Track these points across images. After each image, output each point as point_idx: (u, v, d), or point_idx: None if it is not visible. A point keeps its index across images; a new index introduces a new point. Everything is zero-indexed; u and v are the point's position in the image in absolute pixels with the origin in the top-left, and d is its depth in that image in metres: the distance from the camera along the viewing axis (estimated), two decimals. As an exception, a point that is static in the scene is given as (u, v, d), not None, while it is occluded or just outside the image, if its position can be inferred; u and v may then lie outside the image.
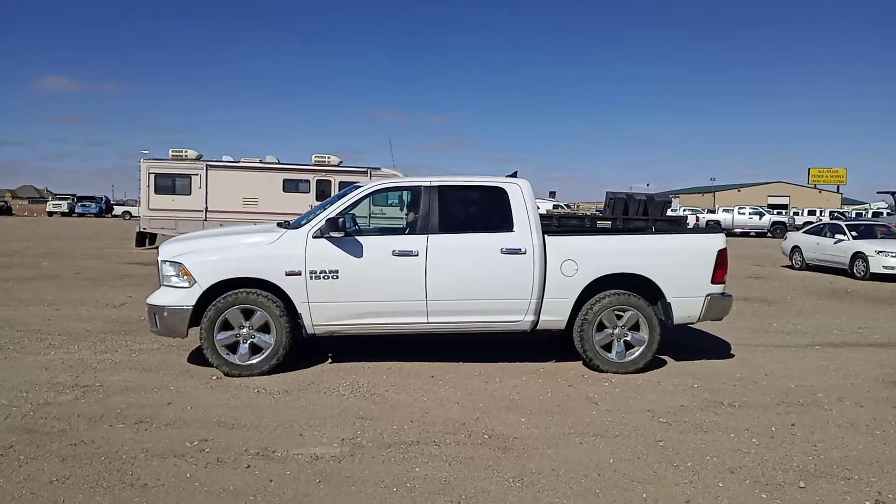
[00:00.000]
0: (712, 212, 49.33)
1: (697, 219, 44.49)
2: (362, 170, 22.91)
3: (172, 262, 6.67)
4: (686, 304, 7.08)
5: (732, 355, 8.04)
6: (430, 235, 6.81)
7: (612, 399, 6.12)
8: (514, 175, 7.39)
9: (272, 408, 5.65)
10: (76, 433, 4.96)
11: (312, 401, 5.87)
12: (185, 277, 6.61)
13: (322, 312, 6.71)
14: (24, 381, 6.28)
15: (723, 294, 7.25)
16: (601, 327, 7.01)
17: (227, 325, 6.58)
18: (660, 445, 4.99)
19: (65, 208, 64.15)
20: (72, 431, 5.00)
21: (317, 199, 22.64)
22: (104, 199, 68.98)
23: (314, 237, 6.70)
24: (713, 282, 7.13)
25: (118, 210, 63.08)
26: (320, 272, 6.64)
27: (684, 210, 51.58)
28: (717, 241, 7.25)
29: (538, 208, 7.32)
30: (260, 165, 22.68)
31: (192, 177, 22.13)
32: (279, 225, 7.22)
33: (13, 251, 21.28)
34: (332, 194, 22.82)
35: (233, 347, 6.62)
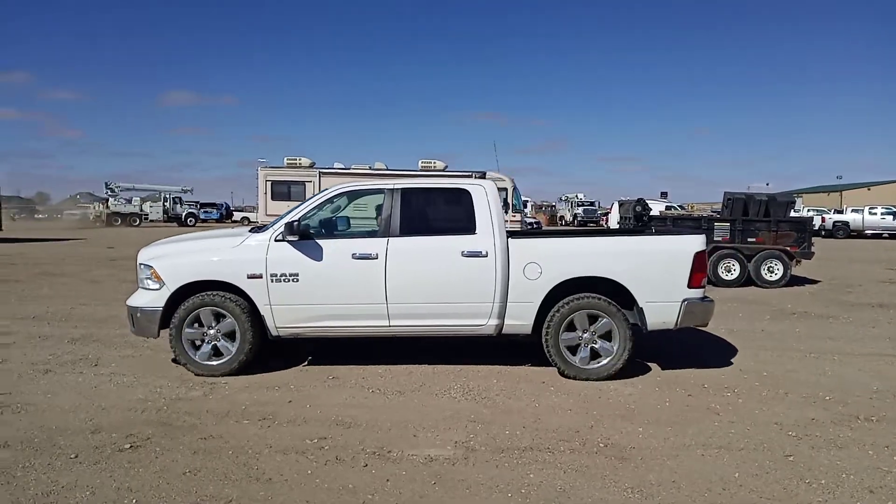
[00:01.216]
0: (839, 212, 46.19)
1: (823, 220, 41.86)
2: (467, 174, 23.02)
3: (146, 265, 6.90)
4: (660, 309, 6.71)
5: (867, 366, 7.49)
6: (390, 238, 6.76)
7: (735, 410, 5.84)
8: (483, 176, 7.27)
9: (386, 408, 5.75)
10: (205, 428, 5.23)
11: (425, 402, 5.93)
12: (155, 280, 6.81)
13: (284, 315, 6.76)
14: (158, 377, 6.71)
15: (702, 299, 6.81)
16: (570, 332, 6.73)
17: (193, 326, 6.75)
18: (789, 460, 4.71)
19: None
20: (201, 426, 5.28)
21: (424, 204, 23.01)
22: (224, 205, 72.75)
23: (276, 241, 6.76)
24: (690, 286, 6.70)
25: (237, 216, 66.38)
26: (280, 275, 6.69)
27: (808, 210, 48.61)
28: (694, 243, 6.80)
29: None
30: (369, 172, 23.24)
31: (306, 183, 22.97)
32: (252, 229, 7.32)
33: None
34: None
35: (198, 348, 6.77)
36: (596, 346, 6.75)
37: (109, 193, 55.91)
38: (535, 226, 42.09)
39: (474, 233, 6.76)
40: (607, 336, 6.74)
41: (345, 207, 7.38)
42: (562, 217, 63.74)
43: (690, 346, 8.34)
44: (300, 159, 23.19)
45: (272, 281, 6.69)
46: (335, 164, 23.59)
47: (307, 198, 22.32)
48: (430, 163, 23.22)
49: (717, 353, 8.07)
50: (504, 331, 6.87)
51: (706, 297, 6.92)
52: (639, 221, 15.45)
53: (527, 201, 35.12)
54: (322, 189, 22.66)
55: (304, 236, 6.75)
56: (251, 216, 61.33)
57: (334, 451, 4.76)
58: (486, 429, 5.26)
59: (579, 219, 57.98)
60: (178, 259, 6.91)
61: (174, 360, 7.03)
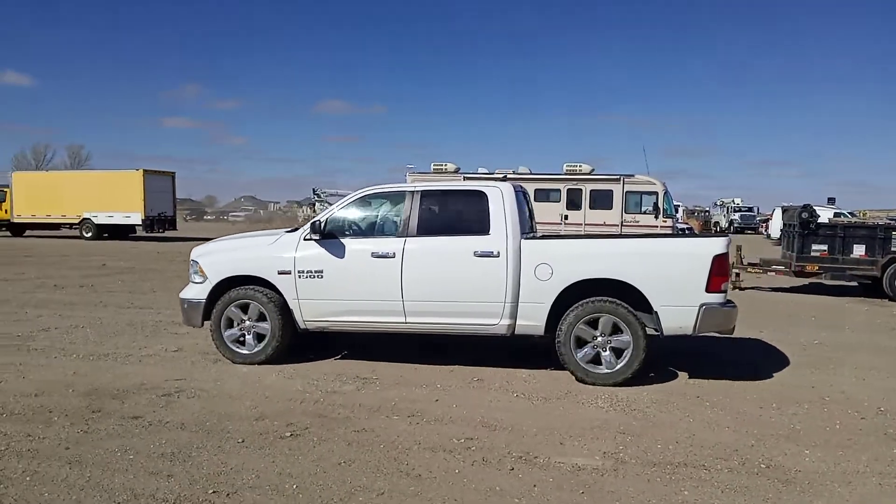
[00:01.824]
0: None
1: None
2: (614, 177, 22.51)
3: (194, 261, 7.57)
4: (676, 313, 6.47)
5: None
6: (407, 238, 6.99)
7: (918, 438, 5.27)
8: (504, 179, 7.35)
9: (531, 413, 5.72)
10: (358, 421, 5.45)
11: (571, 410, 5.84)
12: (200, 275, 7.45)
13: (310, 309, 7.16)
14: (315, 370, 7.07)
15: (723, 304, 6.50)
16: (581, 338, 6.61)
17: (230, 322, 7.31)
18: None
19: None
20: (354, 419, 5.50)
21: (567, 209, 22.70)
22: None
23: (305, 239, 7.17)
24: (709, 290, 6.40)
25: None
26: (307, 272, 7.11)
27: None
28: (715, 246, 6.50)
29: (527, 212, 7.21)
30: (513, 176, 23.28)
31: (451, 188, 23.40)
32: (288, 230, 7.67)
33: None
34: (583, 203, 22.79)
35: (236, 338, 7.31)
36: (607, 351, 6.60)
37: (316, 198, 59.63)
38: (687, 232, 40.39)
39: (488, 233, 6.83)
40: (621, 341, 6.56)
41: (371, 209, 7.63)
42: (716, 223, 60.63)
43: (865, 366, 7.64)
44: (446, 164, 23.65)
45: (300, 277, 7.14)
46: (479, 168, 23.84)
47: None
48: (576, 166, 22.90)
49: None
50: (517, 331, 6.87)
51: (729, 301, 6.64)
52: (805, 229, 14.38)
53: (678, 206, 33.69)
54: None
55: (329, 236, 7.14)
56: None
57: (481, 453, 4.79)
58: (636, 441, 5.09)
59: (735, 225, 54.88)
60: (220, 256, 7.56)
61: (306, 357, 7.37)
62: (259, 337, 7.28)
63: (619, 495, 4.14)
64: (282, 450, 4.78)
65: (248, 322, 7.28)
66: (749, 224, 54.38)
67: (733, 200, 60.78)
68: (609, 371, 6.58)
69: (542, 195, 22.89)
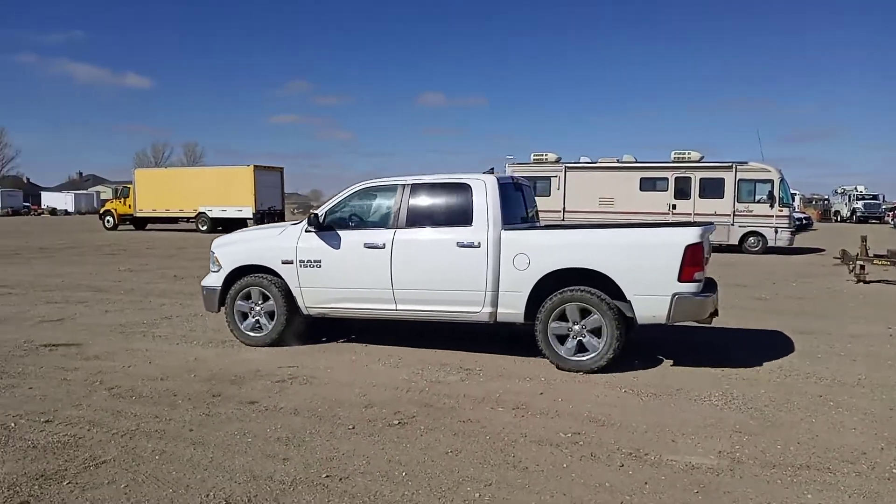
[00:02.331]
0: None
1: None
2: (726, 165, 21.60)
3: (212, 252, 8.18)
4: (649, 302, 6.53)
5: None
6: (396, 229, 7.33)
7: None
8: (491, 172, 7.48)
9: (641, 410, 5.57)
10: (463, 411, 5.48)
11: (683, 407, 5.65)
12: (217, 264, 8.07)
13: (310, 296, 7.65)
14: (419, 360, 7.17)
15: (696, 294, 6.50)
16: (561, 322, 6.76)
17: (243, 310, 7.90)
18: None
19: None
20: (460, 409, 5.54)
21: (675, 198, 21.98)
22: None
23: (306, 231, 7.64)
24: (681, 280, 6.44)
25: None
26: (307, 261, 7.60)
27: None
28: (686, 235, 6.54)
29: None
30: (617, 165, 22.78)
31: (552, 178, 23.14)
32: (293, 223, 8.12)
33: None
34: (692, 192, 21.99)
35: (252, 325, 7.87)
36: (584, 338, 6.71)
37: None
38: (804, 221, 38.26)
39: (470, 225, 7.07)
40: (596, 330, 6.65)
41: (367, 202, 7.91)
42: (836, 212, 57.00)
43: None
44: (546, 155, 23.42)
45: (301, 266, 7.64)
46: (581, 158, 23.45)
47: (549, 193, 22.74)
48: (684, 153, 22.13)
49: None
50: (499, 319, 7.07)
51: (703, 291, 6.62)
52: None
53: (794, 194, 31.98)
54: (566, 184, 22.77)
55: (327, 228, 7.58)
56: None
57: (589, 448, 4.71)
58: (754, 441, 4.86)
59: (858, 214, 51.50)
60: (233, 247, 8.18)
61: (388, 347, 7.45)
62: (263, 324, 7.87)
63: (737, 496, 3.97)
64: (390, 437, 4.88)
65: (257, 307, 7.87)
66: (873, 213, 50.95)
67: (856, 188, 57.05)
68: (584, 359, 6.71)
69: (648, 184, 22.27)
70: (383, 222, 7.56)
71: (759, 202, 21.43)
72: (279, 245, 7.80)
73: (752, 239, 21.72)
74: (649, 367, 6.90)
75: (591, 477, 4.23)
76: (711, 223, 7.97)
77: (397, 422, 5.21)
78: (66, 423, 5.17)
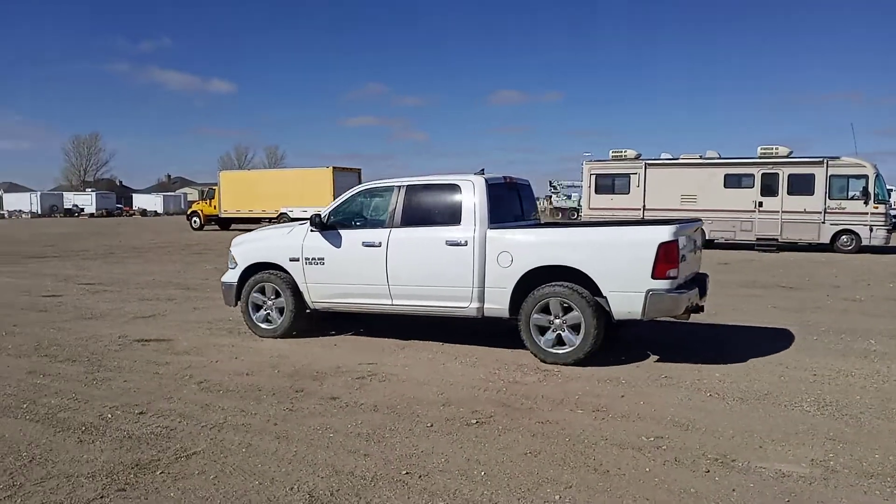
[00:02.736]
0: None
1: None
2: (816, 160, 20.67)
3: (230, 250, 8.73)
4: (624, 298, 6.73)
5: None
6: (392, 229, 7.71)
7: None
8: (481, 173, 7.75)
9: (727, 414, 5.38)
10: (542, 412, 5.43)
11: (772, 413, 5.42)
12: (233, 262, 8.62)
13: (316, 291, 8.11)
14: (495, 359, 7.16)
15: (669, 290, 6.61)
16: (543, 316, 7.00)
17: (257, 303, 8.42)
18: None
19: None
20: (538, 410, 5.49)
21: (761, 195, 21.21)
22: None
23: (311, 231, 8.06)
24: (654, 277, 6.58)
25: (561, 210, 68.16)
26: (312, 259, 8.05)
27: None
28: (659, 234, 6.68)
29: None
30: (699, 161, 22.14)
31: (631, 176, 22.69)
32: (301, 221, 8.56)
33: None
34: (779, 189, 21.14)
35: (264, 317, 8.41)
36: (563, 332, 6.92)
37: (552, 191, 61.51)
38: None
39: (459, 224, 7.38)
40: (576, 325, 6.85)
41: (367, 203, 8.40)
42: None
43: None
44: (626, 151, 22.98)
45: (306, 263, 8.10)
46: (662, 154, 22.91)
47: (629, 190, 22.29)
48: (771, 149, 21.30)
49: None
50: (486, 314, 7.35)
51: (678, 288, 6.70)
52: None
53: (891, 190, 30.32)
54: (646, 181, 22.27)
55: (330, 227, 8.00)
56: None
57: (672, 452, 4.58)
58: (849, 449, 4.62)
59: None
60: (247, 246, 8.71)
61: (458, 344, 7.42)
62: (273, 318, 8.36)
63: (833, 508, 3.78)
64: (468, 436, 4.88)
65: (269, 302, 8.36)
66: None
67: (958, 183, 53.52)
68: (562, 351, 6.93)
69: (733, 181, 21.54)
70: (380, 222, 7.99)
71: (852, 199, 20.41)
72: (287, 244, 8.30)
73: (844, 237, 20.72)
74: (735, 369, 6.67)
75: (676, 482, 4.11)
76: (694, 220, 8.20)
77: (475, 421, 5.21)
78: (159, 415, 5.41)
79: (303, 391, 6.04)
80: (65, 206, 79.66)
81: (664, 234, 6.66)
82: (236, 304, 8.66)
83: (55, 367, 6.94)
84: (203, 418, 5.31)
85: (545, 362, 6.94)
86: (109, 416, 5.38)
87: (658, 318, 7.04)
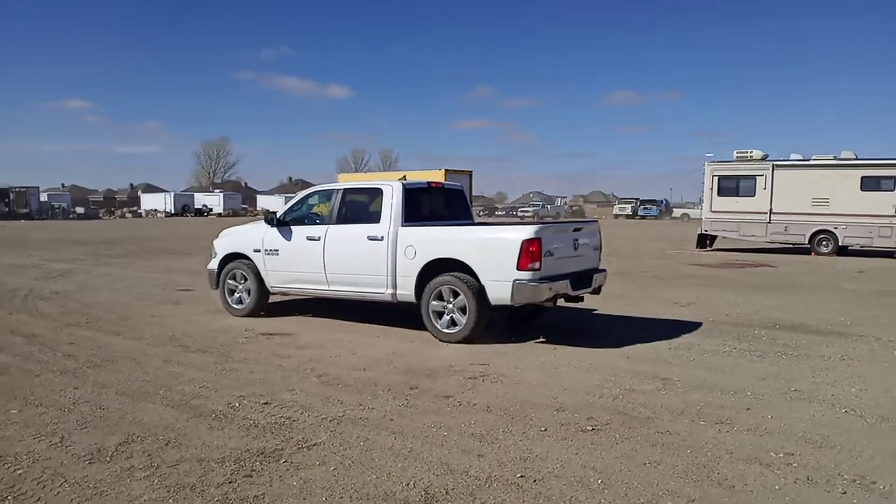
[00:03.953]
0: None
1: None
2: None
3: (213, 243, 10.44)
4: (497, 287, 7.73)
5: None
6: (329, 226, 9.13)
7: None
8: (403, 179, 8.99)
9: (865, 433, 5.00)
10: (661, 423, 5.24)
11: (918, 434, 4.99)
12: (214, 252, 10.27)
13: (273, 277, 9.63)
14: (611, 366, 6.97)
15: (530, 280, 7.59)
16: (438, 302, 8.13)
17: (230, 288, 10.03)
18: None
19: (629, 211, 70.26)
20: (657, 420, 5.31)
21: (902, 199, 19.64)
22: (664, 202, 73.02)
23: (270, 227, 9.52)
24: (519, 269, 7.58)
25: (677, 212, 65.94)
26: (270, 250, 9.57)
27: None
28: (522, 233, 7.72)
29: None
30: (833, 163, 20.75)
31: (757, 178, 21.58)
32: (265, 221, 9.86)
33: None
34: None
35: (237, 299, 9.99)
36: (455, 315, 8.02)
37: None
38: None
39: (379, 222, 8.57)
40: (462, 308, 7.93)
41: (314, 203, 9.85)
42: None
43: None
44: (751, 152, 21.87)
45: (266, 254, 9.61)
46: (791, 155, 21.64)
47: (754, 193, 21.16)
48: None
49: None
50: (399, 299, 8.52)
51: (540, 279, 7.63)
52: None
53: None
54: (773, 183, 21.07)
55: (284, 224, 9.45)
56: (690, 213, 60.37)
57: (805, 471, 4.30)
58: None
59: None
60: (225, 239, 10.31)
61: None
62: (243, 299, 9.91)
63: None
64: (584, 443, 4.78)
65: (240, 286, 9.91)
66: None
67: None
68: (452, 331, 8.04)
69: (871, 183, 20.04)
70: (322, 219, 9.46)
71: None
72: (252, 237, 9.84)
73: None
74: (873, 385, 6.20)
75: (808, 502, 3.86)
76: (581, 222, 9.65)
77: (591, 428, 5.10)
78: (282, 405, 5.64)
79: (417, 388, 6.13)
80: (195, 206, 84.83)
81: (526, 233, 7.70)
82: (216, 288, 10.22)
83: (188, 357, 7.40)
84: (323, 411, 5.49)
85: (442, 341, 8.05)
86: (237, 404, 5.67)
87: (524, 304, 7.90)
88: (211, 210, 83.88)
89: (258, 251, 9.70)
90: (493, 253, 7.84)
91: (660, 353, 7.53)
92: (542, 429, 5.08)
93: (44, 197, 70.28)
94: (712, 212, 22.49)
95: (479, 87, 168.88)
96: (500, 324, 8.57)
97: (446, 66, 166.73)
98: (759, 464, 4.42)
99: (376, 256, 8.53)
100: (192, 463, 4.42)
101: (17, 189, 64.78)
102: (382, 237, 8.51)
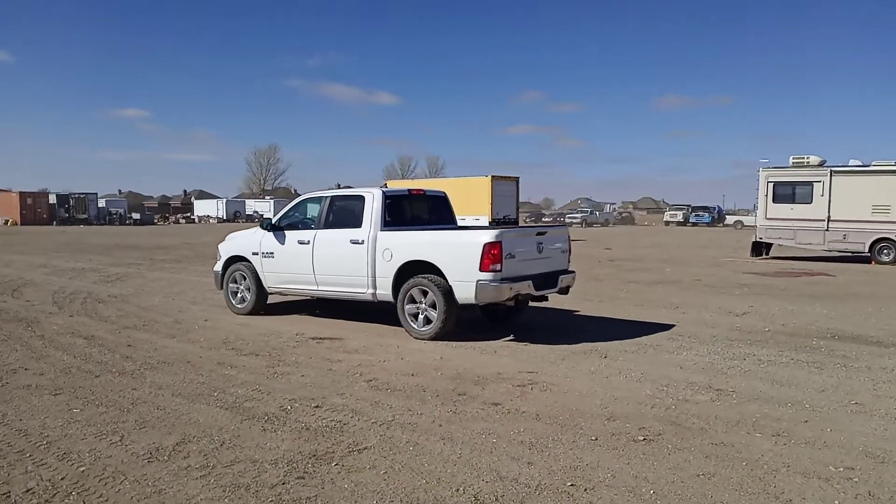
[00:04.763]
0: None
1: None
2: None
3: (218, 247, 11.20)
4: (463, 287, 8.24)
5: None
6: (318, 230, 9.79)
7: None
8: (384, 187, 9.88)
9: (932, 449, 4.81)
10: (715, 434, 5.13)
11: None
12: (219, 255, 11.09)
13: (269, 278, 10.36)
14: (663, 376, 6.86)
15: (492, 281, 8.05)
16: (412, 303, 8.68)
17: (233, 288, 10.82)
18: None
19: (680, 218, 68.98)
20: (711, 431, 5.20)
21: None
22: (717, 208, 71.49)
23: (267, 231, 10.29)
24: (481, 270, 8.06)
25: (730, 220, 64.54)
26: (266, 253, 10.31)
27: None
28: (484, 236, 8.18)
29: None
30: (894, 168, 20.05)
31: (814, 184, 21.00)
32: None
33: (640, 256, 23.88)
34: None
35: (240, 299, 10.76)
36: (427, 313, 8.53)
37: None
38: None
39: (360, 227, 9.22)
40: (433, 306, 8.44)
41: (306, 209, 10.34)
42: None
43: None
44: (808, 158, 21.28)
45: (263, 257, 10.36)
46: (850, 161, 21.00)
47: (811, 200, 20.57)
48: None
49: None
50: (378, 298, 9.13)
51: (501, 279, 8.11)
52: None
53: None
54: (831, 190, 20.47)
55: (278, 229, 10.22)
56: (744, 220, 59.05)
57: (865, 486, 4.17)
58: None
59: None
60: (228, 243, 11.06)
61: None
62: (245, 298, 10.65)
63: None
64: (636, 453, 4.72)
65: (241, 286, 10.68)
66: None
67: None
68: (424, 329, 8.58)
69: None
70: (312, 224, 10.04)
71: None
72: (251, 241, 10.58)
73: None
74: (941, 401, 5.96)
75: (872, 520, 3.74)
76: (548, 226, 10.30)
77: (642, 438, 5.02)
78: (333, 409, 5.72)
79: (465, 395, 6.13)
80: (246, 213, 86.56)
81: (488, 236, 8.16)
82: (221, 288, 11.02)
83: (240, 360, 7.55)
84: (373, 415, 5.54)
85: (416, 339, 8.55)
86: (289, 407, 5.76)
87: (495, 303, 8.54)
88: (262, 216, 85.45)
89: (256, 254, 10.46)
90: (458, 255, 8.34)
91: (713, 363, 7.38)
92: (593, 438, 5.03)
93: (102, 203, 72.56)
94: (767, 219, 21.95)
95: (526, 92, 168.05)
96: (550, 331, 8.52)
97: (493, 72, 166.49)
98: (818, 478, 4.29)
99: (358, 259, 9.18)
100: (246, 464, 4.51)
101: (76, 195, 67.05)
102: (363, 241, 9.16)
